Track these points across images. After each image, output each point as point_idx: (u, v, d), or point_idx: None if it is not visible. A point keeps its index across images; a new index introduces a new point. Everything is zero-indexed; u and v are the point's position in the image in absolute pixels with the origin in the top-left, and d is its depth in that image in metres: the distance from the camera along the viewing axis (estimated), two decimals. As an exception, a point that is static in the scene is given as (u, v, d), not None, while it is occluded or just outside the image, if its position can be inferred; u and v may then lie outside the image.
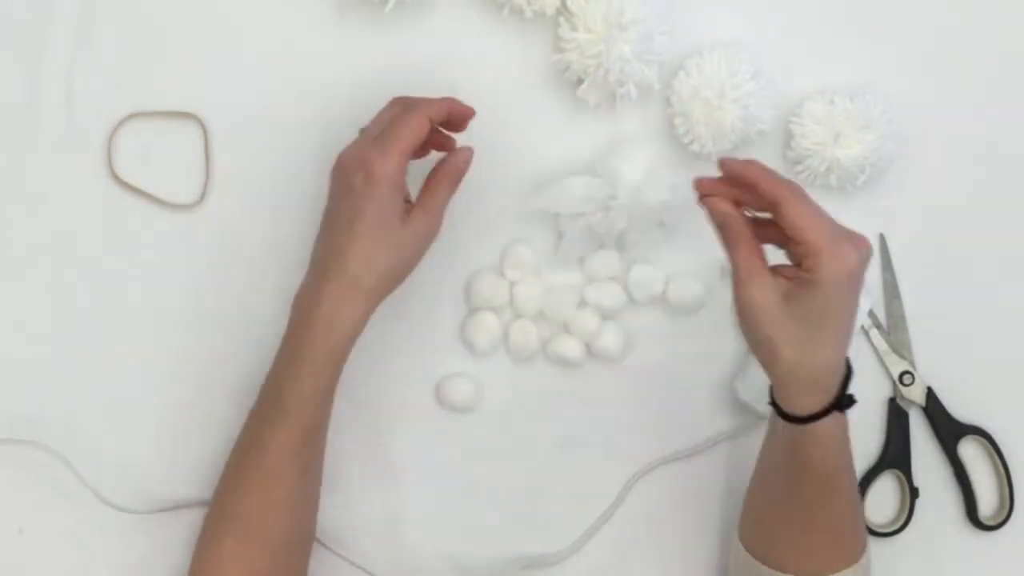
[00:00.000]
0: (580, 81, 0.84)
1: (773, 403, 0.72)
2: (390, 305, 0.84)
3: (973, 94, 0.89)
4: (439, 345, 0.87)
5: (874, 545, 0.86)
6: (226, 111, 0.86)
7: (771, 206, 0.68)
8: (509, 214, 0.86)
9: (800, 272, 0.67)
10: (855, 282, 0.68)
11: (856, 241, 0.67)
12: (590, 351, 0.86)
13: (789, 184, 0.69)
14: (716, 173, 0.72)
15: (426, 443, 0.86)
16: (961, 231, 0.89)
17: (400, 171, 0.74)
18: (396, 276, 0.76)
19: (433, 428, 0.86)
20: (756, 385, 0.81)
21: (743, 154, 0.86)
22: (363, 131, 0.77)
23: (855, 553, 0.76)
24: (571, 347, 0.85)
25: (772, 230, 0.70)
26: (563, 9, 0.83)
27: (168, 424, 0.85)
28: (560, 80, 0.86)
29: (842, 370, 0.70)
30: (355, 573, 0.84)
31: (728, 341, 0.86)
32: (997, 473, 0.88)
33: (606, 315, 0.86)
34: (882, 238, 0.88)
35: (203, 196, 0.86)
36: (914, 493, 0.87)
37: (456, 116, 0.78)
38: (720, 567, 0.86)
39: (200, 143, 0.87)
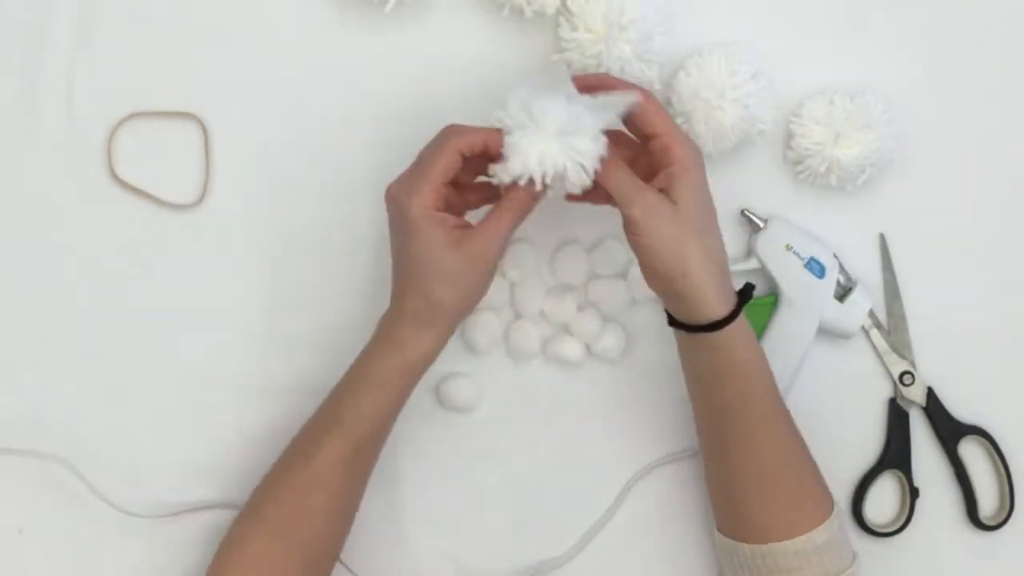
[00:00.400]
0: (580, 81, 0.84)
1: (684, 325, 0.75)
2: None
3: (973, 94, 0.89)
4: (439, 345, 0.87)
5: (874, 545, 0.86)
6: (226, 111, 0.86)
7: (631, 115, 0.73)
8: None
9: (668, 169, 0.72)
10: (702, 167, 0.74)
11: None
12: (590, 351, 0.86)
13: (638, 86, 0.74)
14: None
15: (426, 443, 0.86)
16: (961, 231, 0.89)
17: (429, 206, 0.72)
18: (457, 304, 0.74)
19: (433, 428, 0.86)
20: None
21: (744, 155, 0.86)
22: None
23: (815, 509, 0.76)
24: (571, 347, 0.85)
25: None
26: (563, 9, 0.83)
27: (167, 425, 0.85)
28: (560, 80, 0.86)
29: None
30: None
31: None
32: (997, 473, 0.88)
33: (606, 316, 0.86)
34: (882, 238, 0.88)
35: (203, 196, 0.86)
36: (914, 493, 0.86)
37: (492, 148, 0.73)
38: (720, 568, 0.86)
39: (200, 143, 0.87)
